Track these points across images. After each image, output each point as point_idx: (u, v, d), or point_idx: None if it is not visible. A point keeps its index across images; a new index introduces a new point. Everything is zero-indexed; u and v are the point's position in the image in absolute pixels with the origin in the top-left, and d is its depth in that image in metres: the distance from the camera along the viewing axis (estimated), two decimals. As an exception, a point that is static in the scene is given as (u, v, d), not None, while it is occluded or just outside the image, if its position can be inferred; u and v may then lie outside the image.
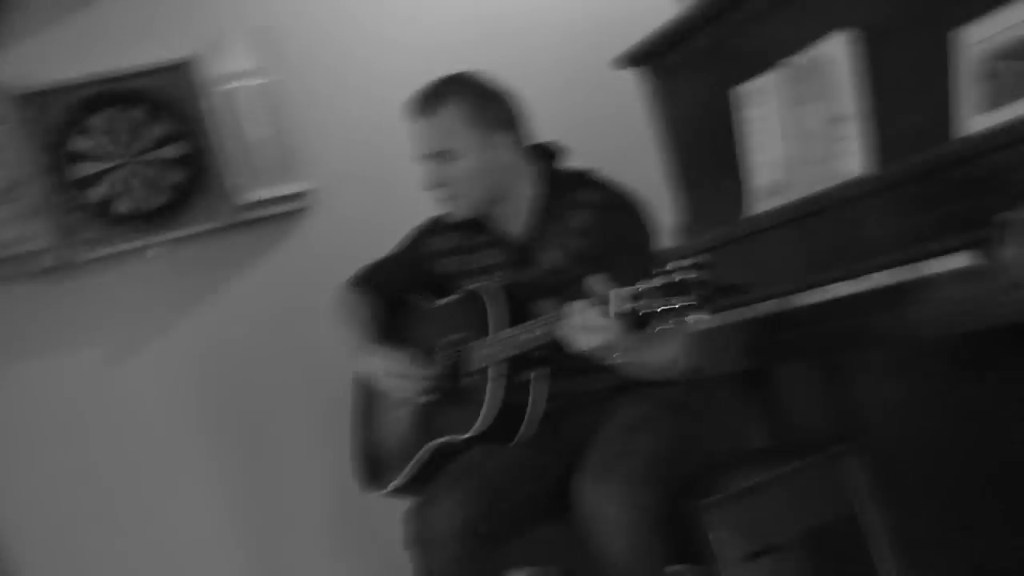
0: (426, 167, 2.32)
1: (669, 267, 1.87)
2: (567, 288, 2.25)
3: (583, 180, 2.35)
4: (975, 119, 2.13)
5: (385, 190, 3.66)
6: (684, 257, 1.87)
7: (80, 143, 3.43)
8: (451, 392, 2.36)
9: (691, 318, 1.85)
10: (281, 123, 3.56)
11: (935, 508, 2.55)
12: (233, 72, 3.49)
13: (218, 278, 3.55)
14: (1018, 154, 2.01)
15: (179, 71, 3.46)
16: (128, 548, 3.42)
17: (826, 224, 2.40)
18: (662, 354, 2.15)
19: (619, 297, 1.94)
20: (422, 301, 2.54)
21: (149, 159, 3.47)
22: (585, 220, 2.28)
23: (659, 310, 1.87)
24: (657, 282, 1.88)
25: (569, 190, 2.33)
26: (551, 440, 2.31)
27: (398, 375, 2.36)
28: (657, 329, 1.89)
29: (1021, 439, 2.30)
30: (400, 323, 2.56)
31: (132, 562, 3.42)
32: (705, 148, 2.89)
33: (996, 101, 2.09)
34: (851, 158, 2.42)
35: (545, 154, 2.43)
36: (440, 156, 2.30)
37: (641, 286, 1.90)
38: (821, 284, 2.31)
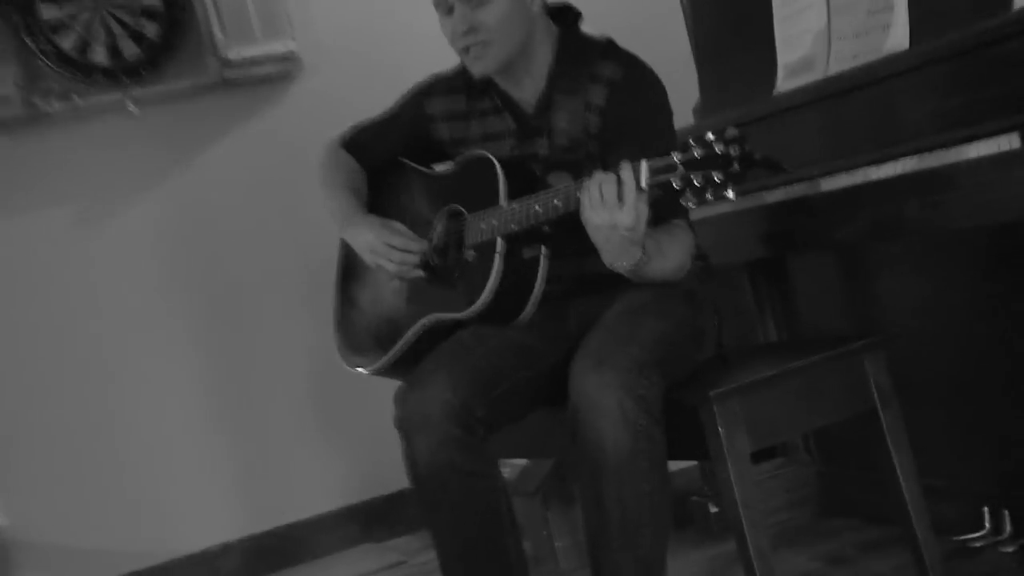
0: (456, 12, 2.26)
1: (708, 138, 1.84)
2: (580, 165, 2.24)
3: (604, 51, 2.30)
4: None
5: (380, 52, 3.64)
6: (715, 132, 1.85)
7: (50, -20, 3.35)
8: (448, 266, 2.33)
9: (730, 193, 1.83)
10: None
11: (956, 410, 2.56)
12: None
13: (200, 139, 3.53)
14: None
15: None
16: (98, 416, 3.44)
17: (859, 104, 2.37)
18: (664, 270, 2.15)
19: (652, 168, 1.92)
20: (418, 167, 2.50)
21: (123, 3, 3.41)
22: (603, 97, 2.25)
23: (697, 183, 1.84)
24: (696, 152, 1.85)
25: (588, 60, 2.28)
26: (551, 324, 2.30)
27: (390, 246, 2.34)
28: (692, 202, 1.87)
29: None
30: (393, 191, 2.52)
31: (104, 429, 3.44)
32: (732, 19, 2.85)
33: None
34: (892, 32, 2.38)
35: (564, 16, 2.37)
36: None
37: (678, 156, 1.87)
38: (849, 168, 2.29)
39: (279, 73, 3.56)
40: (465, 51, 2.28)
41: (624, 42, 2.34)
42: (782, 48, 2.65)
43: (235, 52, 3.46)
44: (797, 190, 2.40)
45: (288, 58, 3.55)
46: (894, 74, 2.29)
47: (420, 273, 2.35)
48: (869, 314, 2.74)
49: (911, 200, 2.16)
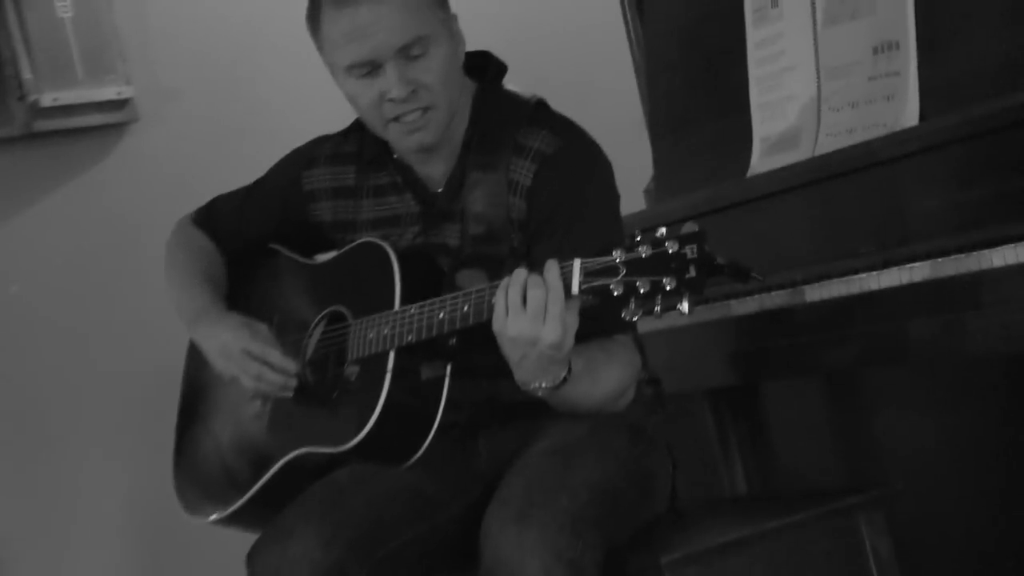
0: (389, 72, 2.22)
1: (660, 234, 1.86)
2: (499, 260, 2.25)
3: (532, 115, 2.33)
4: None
5: (244, 100, 3.63)
6: (666, 225, 1.87)
7: None
8: (325, 385, 2.33)
9: (684, 305, 1.84)
10: (95, 2, 3.47)
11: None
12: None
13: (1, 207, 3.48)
14: None
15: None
16: None
17: (855, 192, 2.41)
18: (599, 394, 2.17)
19: (587, 269, 1.93)
20: (292, 256, 2.50)
21: None
22: (530, 174, 2.27)
23: (642, 290, 1.86)
24: (643, 251, 1.87)
25: (512, 126, 2.31)
26: (456, 464, 2.30)
27: (249, 354, 2.32)
28: (635, 316, 1.88)
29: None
30: (260, 285, 2.52)
31: None
32: (697, 78, 2.89)
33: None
34: (899, 102, 2.42)
35: (484, 69, 2.39)
36: (414, 47, 2.22)
37: (619, 256, 1.89)
38: (843, 274, 2.33)
39: (108, 124, 3.53)
40: (395, 120, 2.26)
41: (559, 104, 2.36)
42: (759, 117, 2.70)
43: (49, 96, 3.43)
44: (776, 299, 2.43)
45: (120, 105, 3.53)
46: (901, 156, 2.33)
47: (287, 393, 2.34)
48: (865, 460, 2.77)
49: (920, 317, 2.19)
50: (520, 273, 2.00)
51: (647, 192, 2.98)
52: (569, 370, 2.06)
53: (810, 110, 2.60)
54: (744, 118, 2.71)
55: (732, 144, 2.73)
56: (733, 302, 2.52)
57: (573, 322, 1.98)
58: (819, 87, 2.59)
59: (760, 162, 2.67)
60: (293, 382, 2.33)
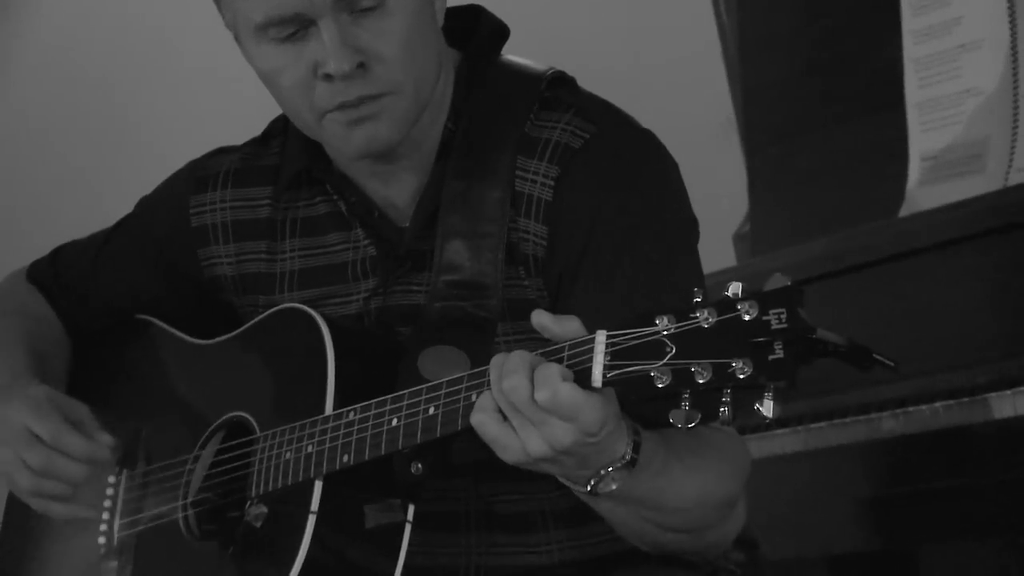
0: (328, 35, 2.21)
1: (731, 292, 1.84)
2: (489, 327, 2.26)
3: (548, 96, 2.36)
4: None
5: (84, 94, 3.66)
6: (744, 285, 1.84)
7: None
8: (214, 536, 2.36)
9: (767, 404, 1.81)
10: None
11: None
12: None
13: None
14: None
15: None
16: None
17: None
18: (694, 488, 2.11)
19: (617, 346, 1.90)
20: (176, 333, 2.50)
21: None
22: (549, 181, 2.29)
23: (700, 380, 1.82)
24: (704, 319, 1.83)
25: (519, 112, 2.34)
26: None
27: (38, 440, 2.31)
28: (691, 421, 1.86)
29: None
30: (125, 376, 2.54)
31: None
32: (814, 65, 2.92)
33: None
34: None
35: (472, 32, 2.39)
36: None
37: (666, 326, 1.86)
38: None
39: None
40: (337, 110, 2.26)
41: (608, 96, 2.34)
42: (919, 122, 2.71)
43: None
44: (946, 415, 2.43)
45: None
46: None
47: (87, 512, 2.36)
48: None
49: None
50: (504, 356, 1.95)
51: (739, 238, 3.00)
52: (635, 443, 1.99)
53: (1002, 113, 2.58)
54: (894, 123, 2.73)
55: (874, 163, 2.76)
56: (876, 417, 2.52)
57: (600, 417, 1.93)
58: (1016, 77, 2.58)
59: (920, 192, 2.69)
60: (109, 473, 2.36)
